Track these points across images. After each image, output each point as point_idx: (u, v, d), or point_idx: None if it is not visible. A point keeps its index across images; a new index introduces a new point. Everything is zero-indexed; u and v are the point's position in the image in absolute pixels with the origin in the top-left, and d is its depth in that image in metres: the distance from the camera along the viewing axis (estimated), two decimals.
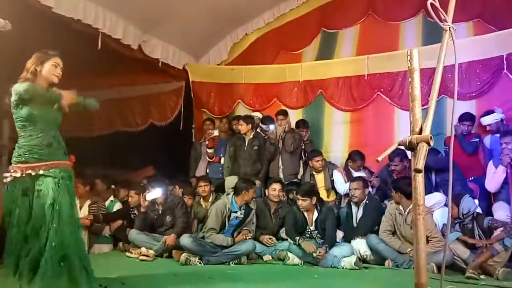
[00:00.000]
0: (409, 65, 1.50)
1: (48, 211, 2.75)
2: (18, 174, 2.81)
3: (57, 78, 2.95)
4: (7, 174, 2.84)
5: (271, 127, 5.53)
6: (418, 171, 1.37)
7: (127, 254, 4.64)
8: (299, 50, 6.77)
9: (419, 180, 1.41)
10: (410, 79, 1.49)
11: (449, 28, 1.65)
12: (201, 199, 5.23)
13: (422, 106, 1.56)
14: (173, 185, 5.44)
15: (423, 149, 1.37)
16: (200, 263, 4.19)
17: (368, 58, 5.73)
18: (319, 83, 6.13)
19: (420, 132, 1.43)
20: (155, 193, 4.77)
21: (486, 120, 4.91)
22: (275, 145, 5.50)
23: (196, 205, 5.24)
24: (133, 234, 4.75)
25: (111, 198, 5.47)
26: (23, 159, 2.83)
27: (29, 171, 2.81)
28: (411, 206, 4.02)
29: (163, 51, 6.22)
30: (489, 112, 4.91)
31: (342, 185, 5.19)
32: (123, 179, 6.24)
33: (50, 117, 2.94)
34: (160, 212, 4.89)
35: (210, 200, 5.19)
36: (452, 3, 1.71)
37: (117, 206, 5.38)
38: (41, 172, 2.82)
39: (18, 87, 2.80)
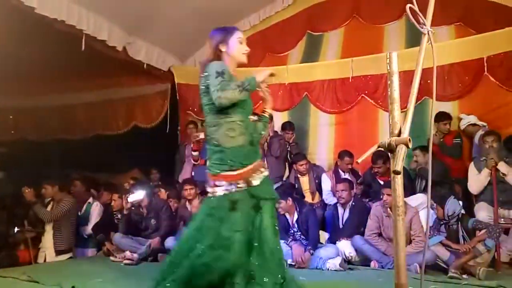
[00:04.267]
0: (388, 68, 1.51)
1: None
2: (242, 184, 2.26)
3: (246, 56, 2.43)
4: (228, 185, 2.24)
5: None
6: (397, 172, 1.38)
7: (111, 258, 4.59)
8: (284, 52, 6.80)
9: (398, 182, 1.42)
10: (389, 82, 1.50)
11: (428, 31, 1.67)
12: (187, 202, 5.20)
13: (405, 108, 1.57)
14: (158, 188, 5.41)
15: (401, 151, 1.38)
16: None
17: (353, 61, 5.79)
18: (305, 85, 6.17)
19: (399, 134, 1.44)
20: (137, 195, 4.74)
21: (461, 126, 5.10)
22: (263, 148, 5.49)
23: (181, 208, 5.21)
24: (117, 237, 4.71)
25: (89, 200, 5.43)
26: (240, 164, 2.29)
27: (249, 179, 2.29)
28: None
29: (148, 53, 6.19)
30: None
31: (330, 197, 5.18)
32: (108, 182, 6.20)
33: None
34: (144, 215, 4.86)
35: (195, 203, 5.16)
36: (431, 8, 1.74)
37: (95, 208, 5.34)
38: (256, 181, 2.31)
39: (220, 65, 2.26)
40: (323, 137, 6.10)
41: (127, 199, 4.79)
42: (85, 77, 6.60)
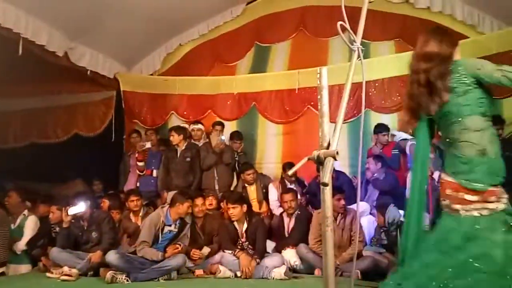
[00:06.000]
0: (318, 82, 1.56)
1: None
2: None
3: None
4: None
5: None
6: (325, 184, 1.42)
7: (47, 274, 4.34)
8: (233, 62, 6.83)
9: (327, 193, 1.46)
10: (319, 97, 1.55)
11: (357, 48, 1.75)
12: (131, 213, 5.04)
13: (345, 120, 1.63)
14: (100, 199, 5.21)
15: (329, 164, 1.42)
16: (127, 280, 4.02)
17: (299, 73, 5.93)
18: (253, 95, 6.24)
19: (328, 147, 1.49)
20: (78, 207, 4.53)
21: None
22: (215, 156, 5.48)
23: (124, 219, 5.04)
24: (55, 252, 4.46)
25: (25, 212, 5.11)
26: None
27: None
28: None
29: (92, 59, 6.00)
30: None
31: (276, 207, 5.24)
32: (46, 193, 5.87)
33: None
34: (85, 228, 4.64)
35: (140, 214, 5.01)
36: (361, 26, 1.82)
37: (31, 221, 5.03)
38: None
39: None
40: (271, 147, 6.19)
41: (67, 212, 4.56)
42: (23, 83, 6.26)
